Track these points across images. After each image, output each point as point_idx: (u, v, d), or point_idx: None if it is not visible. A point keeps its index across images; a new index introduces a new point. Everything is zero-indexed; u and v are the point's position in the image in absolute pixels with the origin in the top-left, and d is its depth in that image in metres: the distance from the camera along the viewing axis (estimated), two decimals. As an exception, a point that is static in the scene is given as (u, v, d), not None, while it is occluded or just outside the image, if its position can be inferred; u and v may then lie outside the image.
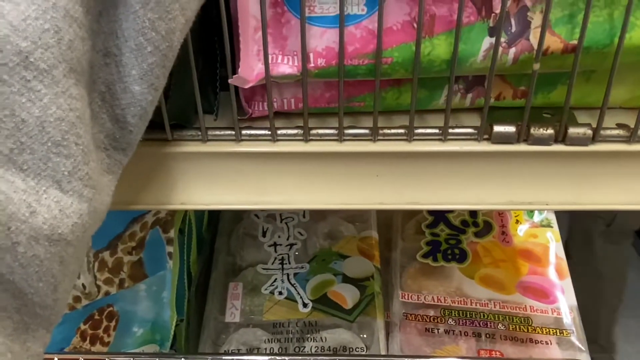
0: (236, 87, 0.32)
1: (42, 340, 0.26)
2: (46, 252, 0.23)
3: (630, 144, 0.32)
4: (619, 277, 1.26)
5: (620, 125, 0.33)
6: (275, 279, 0.58)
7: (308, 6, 0.29)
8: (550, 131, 0.32)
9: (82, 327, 0.51)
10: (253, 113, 0.34)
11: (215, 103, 0.36)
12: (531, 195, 0.34)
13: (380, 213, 0.67)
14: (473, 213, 0.64)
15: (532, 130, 0.32)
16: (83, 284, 0.52)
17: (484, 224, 0.62)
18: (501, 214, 0.63)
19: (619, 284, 1.27)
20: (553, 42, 0.29)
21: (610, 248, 1.22)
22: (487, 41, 0.29)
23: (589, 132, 0.32)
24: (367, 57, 0.30)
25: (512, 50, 0.29)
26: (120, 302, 0.51)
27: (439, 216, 0.64)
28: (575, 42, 0.29)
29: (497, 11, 0.29)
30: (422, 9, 0.28)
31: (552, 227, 0.61)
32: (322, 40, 0.30)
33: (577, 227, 1.26)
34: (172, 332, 0.52)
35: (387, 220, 0.67)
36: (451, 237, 0.61)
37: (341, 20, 0.29)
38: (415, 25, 0.29)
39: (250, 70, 0.31)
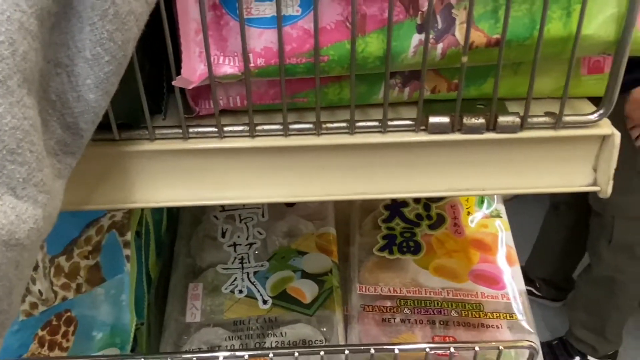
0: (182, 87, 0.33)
1: None
2: (3, 257, 0.23)
3: (556, 130, 0.34)
4: (632, 283, 1.41)
5: (547, 113, 0.35)
6: (236, 278, 0.59)
7: (245, 8, 0.30)
8: (481, 120, 0.34)
9: (40, 333, 0.50)
10: (200, 111, 0.35)
11: (163, 103, 0.36)
12: (468, 181, 0.36)
13: (338, 210, 0.68)
14: (427, 207, 0.66)
15: (465, 120, 0.34)
16: (40, 290, 0.52)
17: (437, 216, 0.64)
18: (453, 206, 0.65)
19: (630, 290, 1.41)
20: (477, 37, 0.31)
21: (618, 258, 1.37)
22: (416, 38, 0.31)
23: (518, 120, 0.34)
24: (304, 55, 0.31)
25: (440, 46, 0.31)
26: (78, 307, 0.51)
27: (394, 211, 0.66)
28: (498, 36, 0.31)
29: (424, 9, 0.30)
30: (355, 9, 0.30)
31: (501, 217, 0.64)
32: (260, 40, 0.31)
33: (590, 244, 1.44)
34: (132, 335, 0.52)
35: (345, 217, 0.68)
36: (406, 231, 0.63)
37: (279, 22, 0.30)
38: (348, 24, 0.30)
39: (193, 71, 0.32)
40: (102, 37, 0.25)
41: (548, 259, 1.71)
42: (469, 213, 0.65)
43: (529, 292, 1.76)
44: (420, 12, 0.30)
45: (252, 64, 0.32)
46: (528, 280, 1.77)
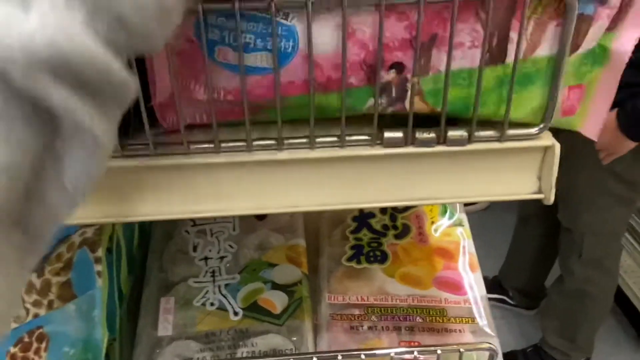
0: (149, 103, 0.35)
1: None
2: None
3: (501, 143, 0.37)
4: (602, 294, 1.46)
5: (493, 127, 0.38)
6: (207, 291, 0.60)
7: (221, 52, 0.33)
8: (432, 135, 0.36)
9: (12, 350, 0.51)
10: (168, 127, 0.37)
11: (131, 119, 0.38)
12: (423, 191, 0.39)
13: (308, 223, 0.70)
14: (393, 217, 0.68)
15: (417, 135, 0.36)
16: (11, 308, 0.52)
17: (403, 226, 0.67)
18: (418, 216, 0.68)
19: (601, 301, 1.47)
20: (422, 107, 0.35)
21: (589, 272, 1.42)
22: (371, 101, 0.35)
23: (465, 134, 0.36)
24: (269, 101, 0.34)
25: (390, 109, 0.35)
26: (50, 323, 0.52)
27: (362, 222, 0.68)
28: (439, 109, 0.35)
29: (383, 80, 0.34)
30: (313, 77, 0.32)
31: (463, 225, 0.67)
32: (232, 82, 0.34)
33: (561, 259, 1.50)
34: (104, 350, 0.52)
35: (315, 229, 0.70)
36: (373, 241, 0.66)
37: (241, 69, 0.32)
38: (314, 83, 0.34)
39: (164, 89, 0.34)
40: (84, 171, 0.23)
41: (520, 269, 1.76)
42: (432, 222, 0.67)
43: (503, 301, 1.81)
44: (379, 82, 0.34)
45: (222, 98, 0.34)
46: (502, 289, 1.82)
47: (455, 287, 0.60)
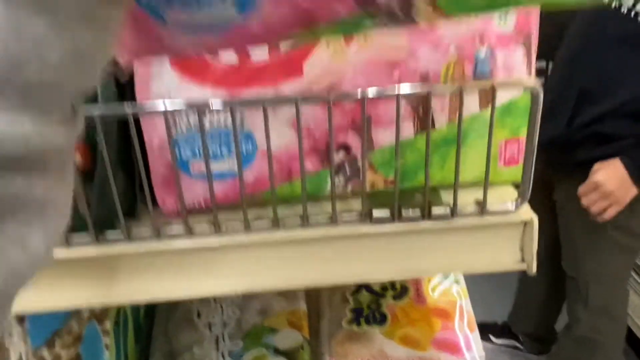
0: (151, 188, 0.38)
1: None
2: None
3: (482, 217, 0.40)
4: (610, 342, 1.46)
5: (476, 202, 0.40)
6: (211, 359, 0.62)
7: (195, 166, 0.38)
8: (417, 212, 0.39)
9: None
10: (168, 212, 0.40)
11: (135, 207, 0.41)
12: (413, 265, 0.41)
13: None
14: (391, 278, 0.70)
15: (403, 212, 0.39)
16: (21, 383, 0.53)
17: (401, 287, 0.68)
18: (415, 276, 0.70)
19: (609, 349, 1.46)
20: (376, 179, 0.39)
21: (596, 320, 1.42)
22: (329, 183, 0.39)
23: (449, 211, 0.39)
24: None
25: (349, 186, 0.40)
26: (59, 397, 0.53)
27: (362, 284, 0.70)
28: (392, 178, 0.39)
29: (335, 163, 0.38)
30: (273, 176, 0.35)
31: (459, 283, 0.68)
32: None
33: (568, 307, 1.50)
34: (112, 422, 0.53)
35: (316, 292, 0.72)
36: (372, 302, 0.67)
37: (209, 175, 0.35)
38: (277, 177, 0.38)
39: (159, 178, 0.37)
40: (42, 229, 0.21)
41: (529, 314, 1.74)
42: (429, 282, 0.69)
43: (514, 347, 1.78)
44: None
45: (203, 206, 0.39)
46: (512, 335, 1.80)
47: (454, 348, 0.61)
